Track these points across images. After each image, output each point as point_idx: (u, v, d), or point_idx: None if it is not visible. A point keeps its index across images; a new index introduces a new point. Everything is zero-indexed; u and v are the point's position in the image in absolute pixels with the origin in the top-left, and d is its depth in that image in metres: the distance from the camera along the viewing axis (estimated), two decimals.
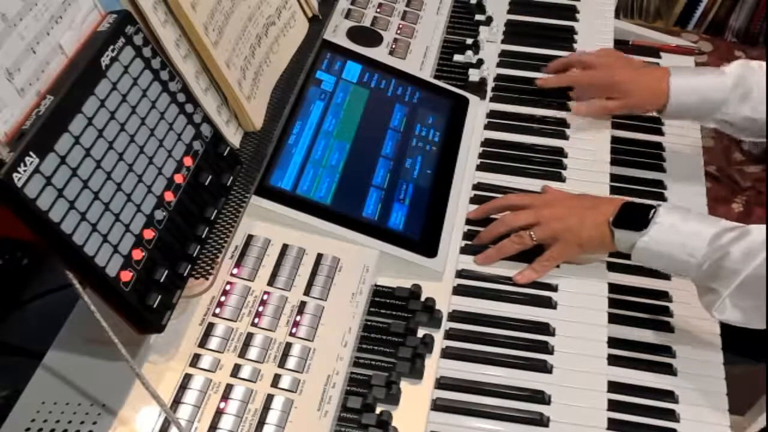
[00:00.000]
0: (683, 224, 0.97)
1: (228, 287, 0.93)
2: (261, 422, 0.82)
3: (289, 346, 0.89)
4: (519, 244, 1.05)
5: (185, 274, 0.84)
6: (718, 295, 0.93)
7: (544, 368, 0.97)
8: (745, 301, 0.92)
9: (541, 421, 0.92)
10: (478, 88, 1.29)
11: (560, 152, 1.22)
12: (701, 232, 0.95)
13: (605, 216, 1.01)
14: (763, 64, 1.17)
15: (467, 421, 0.92)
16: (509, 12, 1.47)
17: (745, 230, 0.93)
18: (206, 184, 0.89)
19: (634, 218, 0.99)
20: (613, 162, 1.23)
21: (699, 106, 1.19)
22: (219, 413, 0.82)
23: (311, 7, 1.24)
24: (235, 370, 0.86)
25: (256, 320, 0.90)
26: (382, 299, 0.99)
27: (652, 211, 0.98)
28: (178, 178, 0.85)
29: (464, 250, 1.08)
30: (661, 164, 1.28)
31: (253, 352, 0.88)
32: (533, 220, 1.05)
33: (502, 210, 1.10)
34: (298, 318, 0.92)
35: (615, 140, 1.26)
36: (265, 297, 0.93)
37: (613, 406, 0.95)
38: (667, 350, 1.04)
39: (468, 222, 1.11)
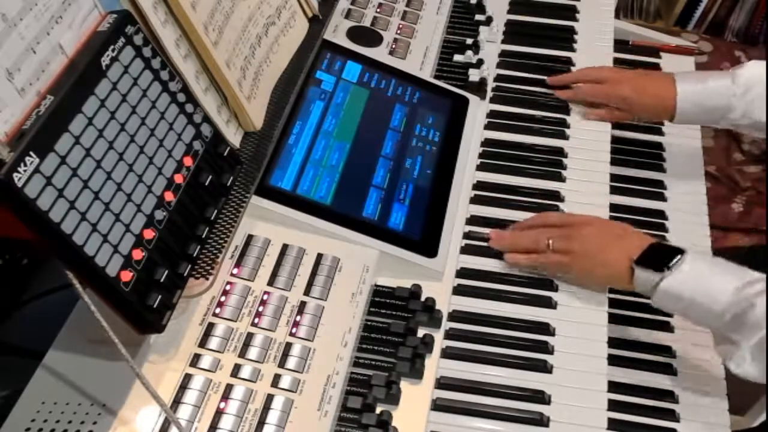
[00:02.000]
0: (709, 271, 0.94)
1: (228, 287, 0.93)
2: (261, 422, 0.82)
3: (289, 346, 0.89)
4: (534, 244, 1.04)
5: (185, 274, 0.84)
6: (736, 347, 0.90)
7: (544, 368, 0.97)
8: (764, 356, 0.88)
9: (541, 421, 0.92)
10: (478, 88, 1.29)
11: (560, 152, 1.22)
12: (727, 282, 0.92)
13: (629, 252, 0.98)
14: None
15: (467, 421, 0.92)
16: (509, 12, 1.47)
17: None
18: (206, 184, 0.89)
19: (659, 259, 0.96)
20: (613, 162, 1.23)
21: (707, 114, 1.19)
22: (219, 413, 0.82)
23: (311, 7, 1.24)
24: (235, 370, 0.86)
25: (256, 320, 0.90)
26: (382, 299, 0.99)
27: (678, 256, 0.94)
28: (178, 178, 0.85)
29: (464, 250, 1.08)
30: (661, 164, 1.28)
31: (253, 352, 0.88)
32: (562, 232, 1.04)
33: (536, 225, 1.09)
34: (298, 318, 0.92)
35: (615, 140, 1.26)
36: (265, 297, 0.93)
37: (613, 406, 0.94)
38: (667, 350, 1.04)
39: (468, 222, 1.11)
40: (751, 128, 1.19)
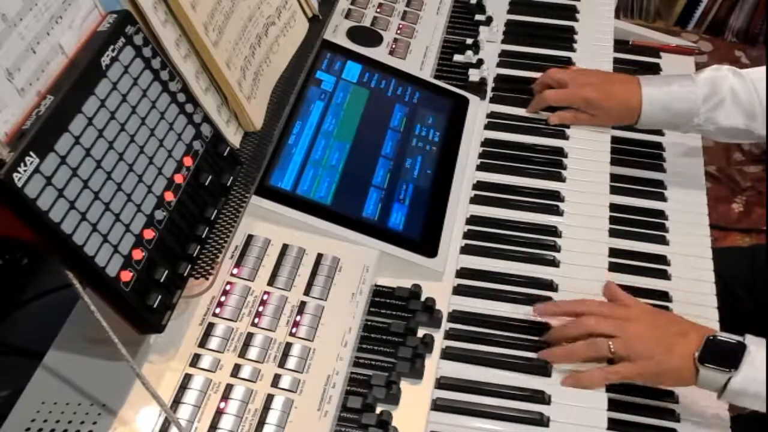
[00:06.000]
0: None
1: (228, 287, 0.93)
2: (261, 422, 0.82)
3: (289, 346, 0.89)
4: (594, 352, 0.95)
5: (185, 274, 0.84)
6: None
7: (544, 368, 0.96)
8: None
9: (541, 421, 0.92)
10: (478, 88, 1.29)
11: (560, 152, 1.22)
12: None
13: (692, 348, 0.92)
14: (737, 70, 1.17)
15: (467, 421, 0.92)
16: (509, 12, 1.47)
17: None
18: (206, 184, 0.89)
19: (723, 354, 0.91)
20: (613, 162, 1.22)
21: (671, 119, 1.19)
22: (219, 413, 0.82)
23: (311, 7, 1.24)
24: (235, 370, 0.86)
25: (256, 320, 0.90)
26: (382, 299, 0.99)
27: (743, 349, 0.90)
28: (178, 178, 0.85)
29: (464, 250, 1.08)
30: (661, 164, 1.28)
31: (253, 352, 0.88)
32: (616, 332, 0.95)
33: (576, 314, 0.99)
34: (298, 318, 0.92)
35: (615, 140, 1.26)
36: (265, 297, 0.93)
37: (613, 406, 0.94)
38: None
39: (468, 222, 1.11)
40: (717, 134, 1.19)
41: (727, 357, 0.91)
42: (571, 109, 1.24)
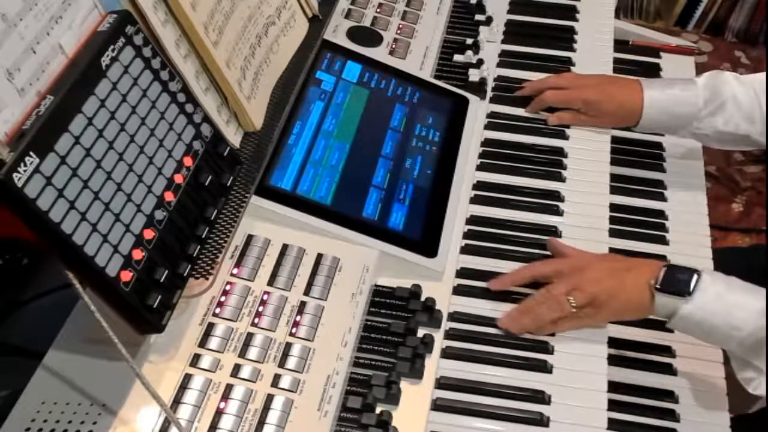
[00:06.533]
0: (728, 293, 0.92)
1: (228, 287, 0.93)
2: (261, 422, 0.82)
3: (289, 346, 0.89)
4: (558, 311, 0.98)
5: (185, 274, 0.84)
6: (759, 373, 0.90)
7: (544, 368, 0.97)
8: None
9: (541, 421, 0.92)
10: (478, 88, 1.29)
11: (560, 152, 1.22)
12: (747, 304, 0.91)
13: (645, 277, 0.96)
14: (738, 76, 1.17)
15: (467, 421, 0.92)
16: (509, 12, 1.47)
17: None
18: (206, 184, 0.89)
19: (678, 283, 0.94)
20: (613, 162, 1.22)
21: (671, 121, 1.19)
22: (219, 413, 0.82)
23: (311, 7, 1.24)
24: (235, 370, 0.86)
25: (256, 320, 0.90)
26: (382, 299, 0.99)
27: (696, 277, 0.93)
28: (178, 178, 0.85)
29: (464, 250, 1.08)
30: (661, 164, 1.28)
31: (253, 352, 0.88)
32: (572, 286, 0.98)
33: (528, 280, 1.03)
34: (298, 318, 0.92)
35: (615, 140, 1.26)
36: (265, 297, 0.93)
37: (613, 406, 0.94)
38: (667, 350, 1.04)
39: (468, 222, 1.12)
40: (712, 139, 1.19)
41: (681, 284, 0.93)
42: (571, 109, 1.24)
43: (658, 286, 0.94)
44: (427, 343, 0.95)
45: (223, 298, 0.92)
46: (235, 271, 0.95)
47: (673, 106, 1.17)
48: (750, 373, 0.92)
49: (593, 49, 1.40)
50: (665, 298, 0.94)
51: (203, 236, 0.87)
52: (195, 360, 0.86)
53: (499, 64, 1.36)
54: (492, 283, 1.03)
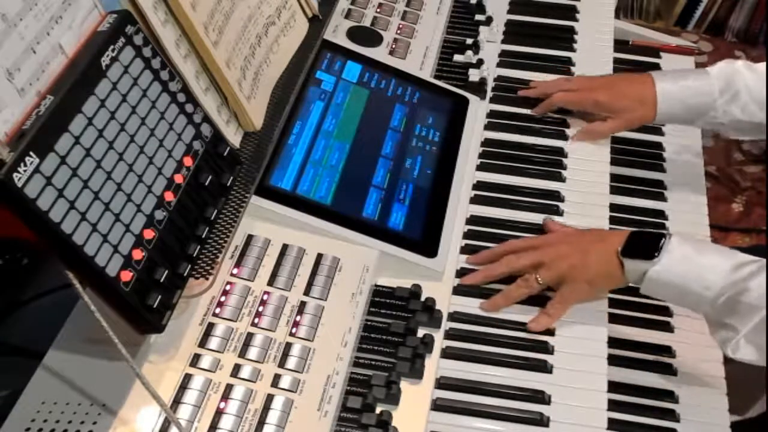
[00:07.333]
0: (697, 255, 0.92)
1: (228, 287, 0.93)
2: (261, 422, 0.82)
3: (289, 346, 0.89)
4: (525, 288, 1.00)
5: (185, 274, 0.84)
6: (734, 332, 0.90)
7: (544, 368, 0.97)
8: (763, 339, 0.88)
9: (541, 421, 0.92)
10: (478, 88, 1.29)
11: (560, 152, 1.22)
12: (717, 265, 0.91)
13: (613, 246, 0.96)
14: (750, 64, 1.16)
15: (467, 421, 0.92)
16: (509, 12, 1.47)
17: (764, 265, 0.89)
18: (206, 184, 0.89)
19: (645, 247, 0.94)
20: (613, 162, 1.23)
21: (687, 112, 1.18)
22: (219, 413, 0.82)
23: (311, 7, 1.24)
24: (235, 370, 0.86)
25: (256, 320, 0.90)
26: (382, 299, 0.99)
27: (663, 240, 0.94)
28: (178, 178, 0.85)
29: (464, 250, 1.08)
30: (661, 164, 1.28)
31: (253, 352, 0.88)
32: (537, 260, 1.00)
33: (502, 256, 1.04)
34: (298, 318, 0.92)
35: (615, 140, 1.26)
36: (265, 297, 0.93)
37: (613, 406, 0.94)
38: (667, 350, 1.04)
39: (468, 222, 1.12)
40: (729, 128, 1.18)
41: (649, 248, 0.94)
42: (598, 120, 1.23)
43: (621, 251, 0.95)
44: (427, 343, 0.95)
45: (223, 298, 0.92)
46: (235, 271, 0.95)
47: (688, 97, 1.16)
48: (725, 333, 0.92)
49: (593, 49, 1.40)
50: (633, 263, 0.95)
51: (203, 236, 0.87)
52: (195, 360, 0.86)
53: (499, 64, 1.36)
54: (469, 258, 1.06)
